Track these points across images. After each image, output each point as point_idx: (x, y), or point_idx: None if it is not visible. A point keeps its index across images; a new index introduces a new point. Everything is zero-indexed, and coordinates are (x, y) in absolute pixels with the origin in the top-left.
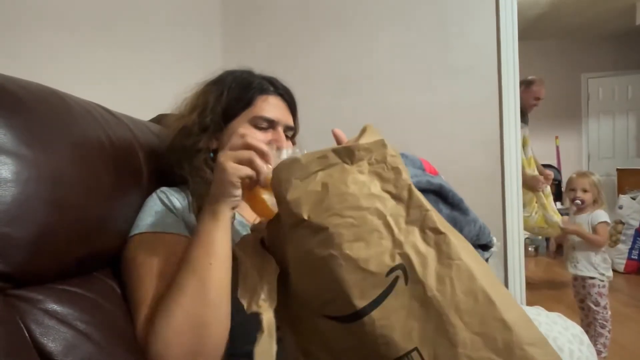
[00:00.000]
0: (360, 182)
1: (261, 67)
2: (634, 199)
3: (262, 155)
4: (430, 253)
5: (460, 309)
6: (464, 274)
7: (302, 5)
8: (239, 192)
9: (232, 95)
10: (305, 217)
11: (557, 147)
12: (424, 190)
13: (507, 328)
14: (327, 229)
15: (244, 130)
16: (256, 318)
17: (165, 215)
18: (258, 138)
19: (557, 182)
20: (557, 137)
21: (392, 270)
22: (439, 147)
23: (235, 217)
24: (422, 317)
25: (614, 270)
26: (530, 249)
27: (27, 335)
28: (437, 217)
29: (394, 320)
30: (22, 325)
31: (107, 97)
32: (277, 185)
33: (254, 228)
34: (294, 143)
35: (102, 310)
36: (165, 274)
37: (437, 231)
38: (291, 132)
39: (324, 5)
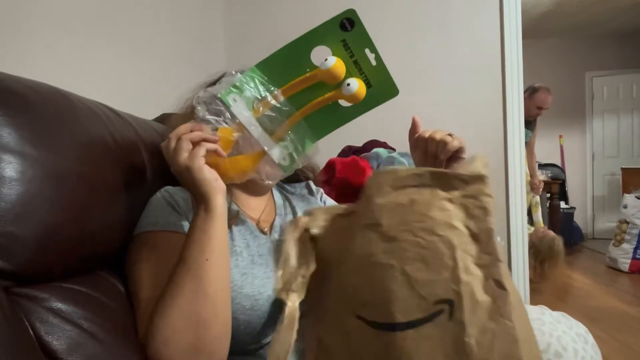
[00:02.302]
0: (445, 210)
1: None
2: (638, 198)
3: (193, 129)
4: (484, 303)
5: None
6: (508, 337)
7: (304, 3)
8: (213, 173)
9: None
10: (383, 224)
11: (561, 146)
12: None
13: None
14: (397, 241)
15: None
16: (276, 309)
17: (169, 214)
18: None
19: (561, 182)
20: (561, 136)
21: (440, 301)
22: None
23: (240, 216)
24: (450, 355)
25: (618, 270)
26: None
27: (31, 333)
28: (505, 272)
29: (423, 346)
30: (26, 323)
31: (111, 96)
32: (371, 186)
33: (309, 212)
34: None
35: (106, 309)
36: (168, 273)
37: (500, 285)
38: None
39: (326, 2)
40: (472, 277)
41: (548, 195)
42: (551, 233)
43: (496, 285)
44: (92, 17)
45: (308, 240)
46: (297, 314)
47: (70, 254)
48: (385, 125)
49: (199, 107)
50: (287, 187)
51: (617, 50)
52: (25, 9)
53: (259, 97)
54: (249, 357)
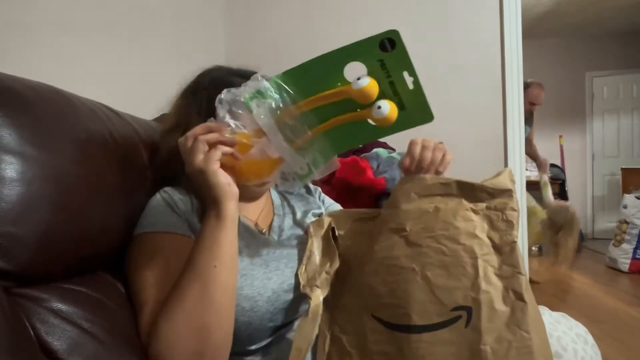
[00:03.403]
0: (470, 220)
1: (264, 64)
2: (638, 198)
3: (211, 130)
4: (502, 313)
5: None
6: (523, 348)
7: (304, 3)
8: (227, 178)
9: (211, 103)
10: (407, 229)
11: (561, 146)
12: None
13: None
14: (420, 247)
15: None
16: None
17: (169, 215)
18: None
19: (561, 182)
20: (561, 136)
21: (458, 308)
22: None
23: (240, 219)
24: None
25: (618, 270)
26: (533, 248)
27: (32, 333)
28: (526, 285)
29: (439, 350)
30: (27, 323)
31: (111, 96)
32: (398, 192)
33: (333, 215)
34: None
35: (106, 309)
36: (168, 274)
37: (519, 296)
38: None
39: (326, 2)
40: (492, 287)
41: None
42: (565, 203)
43: (515, 297)
44: (92, 17)
45: (332, 239)
46: (321, 309)
47: (70, 254)
48: None
49: (220, 108)
50: None
51: (617, 50)
52: (25, 9)
53: (282, 105)
54: (249, 358)
